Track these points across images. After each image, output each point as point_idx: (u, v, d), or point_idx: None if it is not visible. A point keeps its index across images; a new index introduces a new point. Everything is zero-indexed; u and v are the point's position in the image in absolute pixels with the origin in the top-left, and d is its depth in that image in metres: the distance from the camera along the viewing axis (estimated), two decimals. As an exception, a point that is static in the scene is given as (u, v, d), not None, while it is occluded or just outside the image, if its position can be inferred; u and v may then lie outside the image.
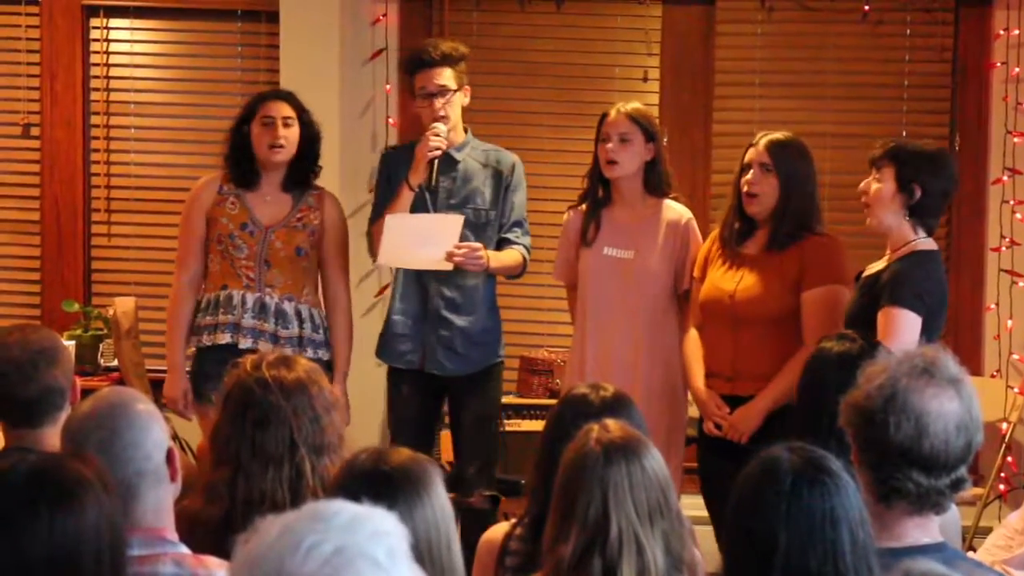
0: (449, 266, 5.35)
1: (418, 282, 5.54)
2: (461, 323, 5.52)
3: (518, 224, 5.56)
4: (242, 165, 5.47)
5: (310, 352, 5.39)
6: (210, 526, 3.31)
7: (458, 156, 5.54)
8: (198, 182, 5.62)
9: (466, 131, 5.63)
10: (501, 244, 5.53)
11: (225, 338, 5.37)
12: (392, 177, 5.53)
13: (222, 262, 5.44)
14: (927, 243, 4.80)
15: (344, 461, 2.91)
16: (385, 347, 5.65)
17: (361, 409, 5.97)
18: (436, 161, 5.40)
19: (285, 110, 5.43)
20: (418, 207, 5.45)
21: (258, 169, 5.47)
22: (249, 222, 5.43)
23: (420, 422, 5.60)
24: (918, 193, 4.76)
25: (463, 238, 5.38)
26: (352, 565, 1.77)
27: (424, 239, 5.35)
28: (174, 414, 5.40)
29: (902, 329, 4.60)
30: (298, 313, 5.44)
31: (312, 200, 5.53)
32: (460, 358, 5.54)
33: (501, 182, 5.53)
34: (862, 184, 4.86)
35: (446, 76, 5.47)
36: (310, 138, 5.50)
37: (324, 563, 1.76)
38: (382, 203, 5.53)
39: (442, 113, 5.46)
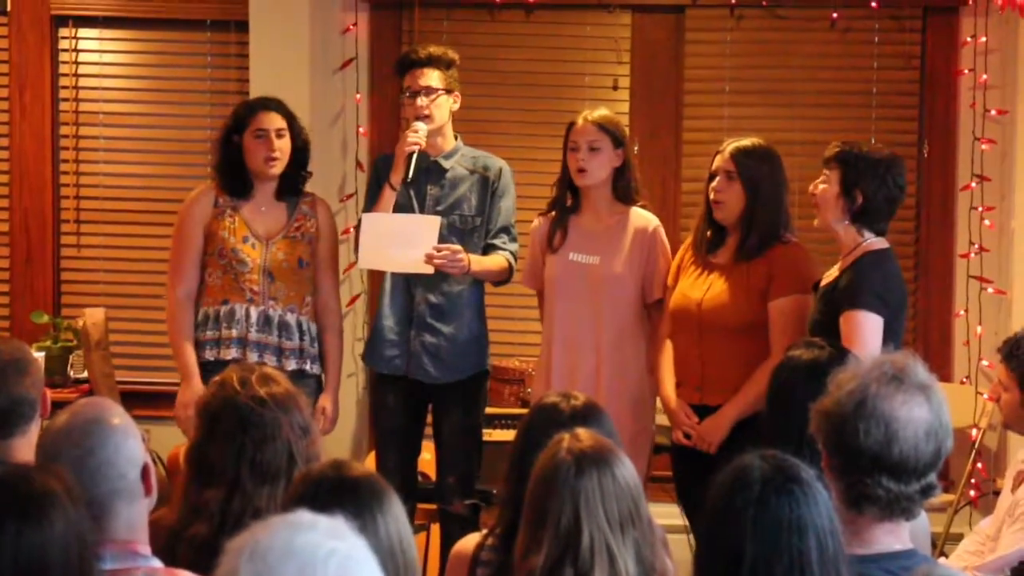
0: (430, 269, 5.34)
1: (405, 287, 5.53)
2: (447, 330, 5.51)
3: (504, 230, 5.55)
4: (235, 176, 5.46)
5: (309, 364, 5.40)
6: (195, 543, 3.29)
7: (446, 164, 5.55)
8: (190, 195, 5.59)
9: (456, 138, 5.63)
10: (487, 250, 5.52)
11: (231, 353, 5.35)
12: (382, 181, 5.52)
13: (224, 276, 5.42)
14: (878, 242, 4.83)
15: (302, 473, 2.90)
16: (372, 352, 5.65)
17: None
18: (413, 156, 5.40)
19: (278, 121, 5.44)
20: (405, 212, 5.45)
21: (251, 180, 5.46)
22: (250, 235, 5.41)
23: (406, 433, 5.60)
24: (859, 199, 4.78)
25: (448, 243, 5.37)
26: None
27: (402, 240, 5.33)
28: (153, 427, 5.38)
29: (866, 331, 4.62)
30: (299, 325, 5.45)
31: (306, 208, 5.55)
32: (445, 366, 5.52)
33: (487, 188, 5.54)
34: (812, 185, 4.90)
35: (431, 76, 5.49)
36: (300, 146, 5.50)
37: None
38: (370, 207, 5.54)
39: (425, 112, 5.45)
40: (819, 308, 4.85)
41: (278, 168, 5.44)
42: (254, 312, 5.38)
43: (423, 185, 5.51)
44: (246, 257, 5.40)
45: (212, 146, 5.59)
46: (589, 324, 5.33)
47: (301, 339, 5.44)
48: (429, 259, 5.31)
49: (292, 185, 5.52)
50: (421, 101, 5.47)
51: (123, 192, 7.31)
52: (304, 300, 5.48)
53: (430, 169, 5.52)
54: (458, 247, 5.37)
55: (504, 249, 5.53)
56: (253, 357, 5.32)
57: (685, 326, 5.18)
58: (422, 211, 5.49)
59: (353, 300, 6.80)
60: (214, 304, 5.43)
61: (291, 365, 5.32)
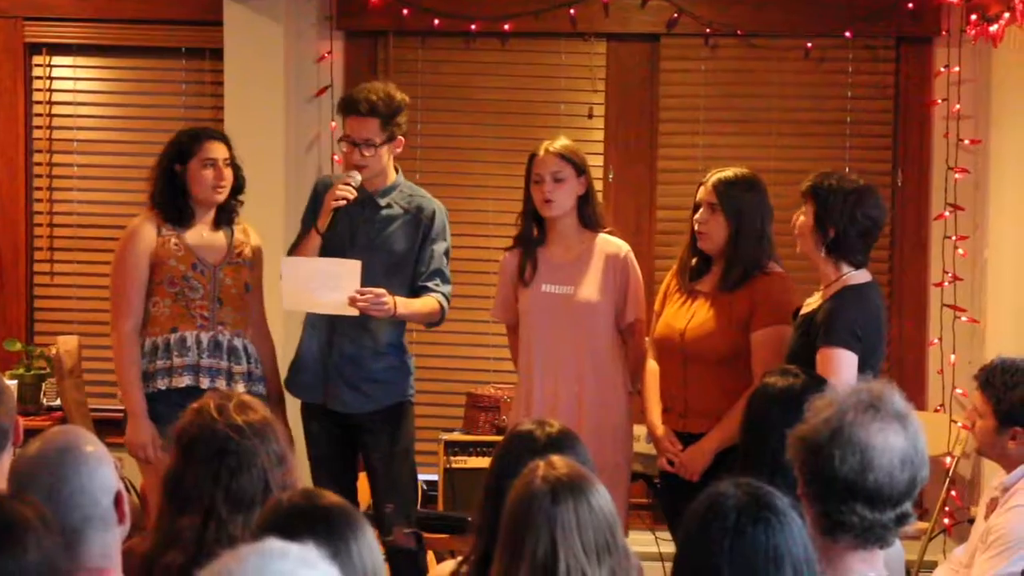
0: (354, 311, 5.27)
1: (328, 317, 5.47)
2: (365, 361, 5.47)
3: (437, 273, 5.48)
4: (177, 205, 5.43)
5: (254, 387, 5.38)
6: (170, 572, 3.27)
7: (382, 202, 5.49)
8: (130, 226, 5.52)
9: (397, 171, 5.57)
10: (419, 292, 5.46)
11: (184, 381, 5.32)
12: (319, 210, 5.51)
13: (173, 304, 5.39)
14: (859, 276, 4.83)
15: (273, 502, 2.89)
16: (291, 379, 5.63)
17: (297, 450, 5.94)
18: (338, 210, 5.37)
19: (223, 150, 5.43)
20: (335, 250, 5.39)
21: (193, 207, 5.44)
22: (198, 261, 5.39)
23: (336, 460, 5.56)
24: (831, 234, 4.78)
25: (378, 283, 5.31)
26: None
27: (324, 283, 5.28)
28: (126, 455, 5.35)
29: (840, 369, 4.62)
30: (245, 348, 5.45)
31: (241, 235, 5.54)
32: (362, 396, 5.48)
33: (419, 230, 5.48)
34: (795, 215, 4.91)
35: (372, 128, 5.38)
36: (238, 174, 5.51)
37: None
38: (305, 228, 5.52)
39: (362, 164, 5.41)
40: (795, 337, 4.86)
41: (224, 196, 5.44)
42: (205, 338, 5.37)
43: (357, 220, 5.47)
44: (197, 283, 5.39)
45: (150, 173, 5.50)
46: (569, 353, 5.32)
47: (248, 362, 5.45)
48: (353, 302, 5.26)
49: (228, 213, 5.52)
50: (359, 156, 5.39)
51: (96, 220, 7.30)
52: (247, 324, 5.51)
53: (365, 204, 5.46)
54: (382, 291, 5.29)
55: (436, 291, 5.47)
56: (205, 383, 5.30)
57: (669, 355, 5.19)
58: (353, 245, 5.42)
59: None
60: (162, 333, 5.39)
61: (240, 389, 5.29)
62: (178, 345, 5.36)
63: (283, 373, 5.65)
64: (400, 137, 5.49)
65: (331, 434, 5.54)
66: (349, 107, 5.45)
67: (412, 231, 5.48)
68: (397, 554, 5.45)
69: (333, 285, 5.27)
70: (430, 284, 5.47)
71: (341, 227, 5.43)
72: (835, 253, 4.81)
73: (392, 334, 5.54)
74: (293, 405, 5.63)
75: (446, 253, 5.54)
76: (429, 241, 5.48)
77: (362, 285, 5.26)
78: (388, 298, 5.29)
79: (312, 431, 5.57)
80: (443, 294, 5.49)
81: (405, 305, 5.38)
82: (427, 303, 5.45)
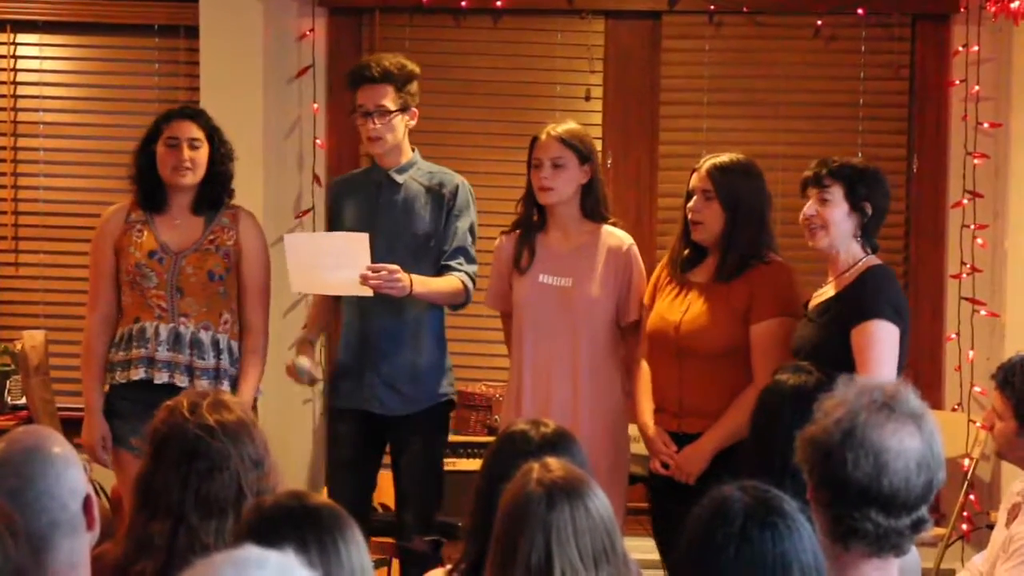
0: (368, 291, 5.25)
1: (359, 315, 5.46)
2: (403, 358, 5.45)
3: (461, 251, 5.46)
4: (149, 187, 5.42)
5: (226, 386, 5.33)
6: None
7: (400, 178, 5.49)
8: (104, 213, 5.54)
9: (413, 150, 5.57)
10: (442, 271, 5.44)
11: (139, 373, 5.31)
12: (335, 208, 5.52)
13: (132, 293, 5.38)
14: (875, 260, 4.85)
15: (257, 502, 2.89)
16: (330, 385, 5.64)
17: (287, 450, 5.93)
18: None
19: (191, 130, 5.38)
20: (357, 230, 5.38)
21: (166, 191, 5.42)
22: (158, 249, 5.37)
23: (358, 464, 5.53)
24: (869, 211, 4.80)
25: (406, 267, 5.28)
26: None
27: (332, 260, 5.24)
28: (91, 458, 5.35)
29: (883, 342, 4.63)
30: (215, 343, 5.38)
31: (226, 220, 5.47)
32: (401, 396, 5.46)
33: (443, 206, 5.47)
34: (805, 208, 4.87)
35: (385, 95, 5.40)
36: (221, 158, 5.44)
37: None
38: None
39: (376, 135, 5.41)
40: (814, 328, 4.83)
41: (188, 179, 5.38)
42: (164, 330, 5.33)
43: (375, 200, 5.47)
44: (151, 272, 5.36)
45: (131, 156, 5.49)
46: (564, 349, 5.30)
47: (217, 358, 5.38)
48: (364, 280, 5.22)
49: (212, 199, 5.46)
50: (373, 125, 5.41)
51: (64, 207, 7.29)
52: (220, 317, 5.42)
53: (382, 184, 5.48)
54: (395, 267, 5.25)
55: (459, 270, 5.45)
56: (163, 377, 5.29)
57: (662, 350, 5.16)
58: (373, 229, 5.36)
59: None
60: (128, 324, 5.39)
61: (203, 386, 5.25)
62: (138, 336, 5.35)
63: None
64: (414, 108, 5.49)
65: (359, 438, 5.51)
66: (359, 76, 5.45)
67: (436, 208, 5.48)
68: (411, 560, 5.44)
69: (342, 262, 5.23)
70: (453, 263, 5.45)
71: (360, 210, 5.43)
72: (864, 234, 4.83)
73: (431, 327, 5.52)
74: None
75: (471, 230, 5.52)
76: (453, 217, 5.47)
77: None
78: (402, 275, 5.25)
79: (340, 432, 5.55)
80: (467, 274, 5.46)
81: (422, 283, 5.34)
82: (449, 282, 5.42)
